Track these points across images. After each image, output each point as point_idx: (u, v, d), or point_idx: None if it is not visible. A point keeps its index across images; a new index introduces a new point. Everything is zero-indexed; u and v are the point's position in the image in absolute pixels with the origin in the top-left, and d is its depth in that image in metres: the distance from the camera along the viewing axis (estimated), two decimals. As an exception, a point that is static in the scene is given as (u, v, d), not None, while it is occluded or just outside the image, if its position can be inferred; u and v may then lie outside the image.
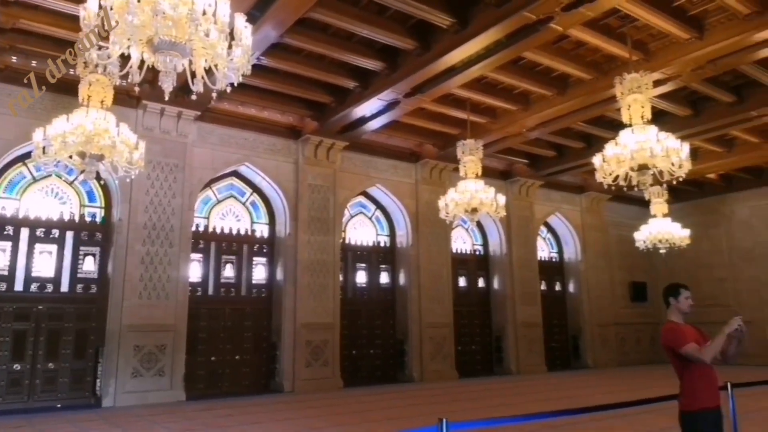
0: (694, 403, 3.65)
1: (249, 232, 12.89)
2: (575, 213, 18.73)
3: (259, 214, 13.22)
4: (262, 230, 13.09)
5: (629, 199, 19.67)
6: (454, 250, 15.95)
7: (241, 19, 4.86)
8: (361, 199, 14.86)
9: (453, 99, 12.17)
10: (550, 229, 19.03)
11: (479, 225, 16.94)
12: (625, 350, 18.78)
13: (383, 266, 14.83)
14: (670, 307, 3.85)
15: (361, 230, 14.80)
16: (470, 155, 11.49)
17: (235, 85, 4.88)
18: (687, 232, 14.96)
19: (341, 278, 13.58)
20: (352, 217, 14.71)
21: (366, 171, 14.27)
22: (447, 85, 10.56)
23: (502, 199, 11.25)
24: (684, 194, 19.40)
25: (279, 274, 12.70)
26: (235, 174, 12.86)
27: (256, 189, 13.12)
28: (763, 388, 5.83)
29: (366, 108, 11.54)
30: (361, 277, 14.40)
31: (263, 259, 12.94)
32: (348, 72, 10.85)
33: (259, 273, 12.85)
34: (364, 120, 12.20)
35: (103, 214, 11.20)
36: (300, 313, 12.31)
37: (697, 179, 18.32)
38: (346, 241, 14.18)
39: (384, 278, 14.79)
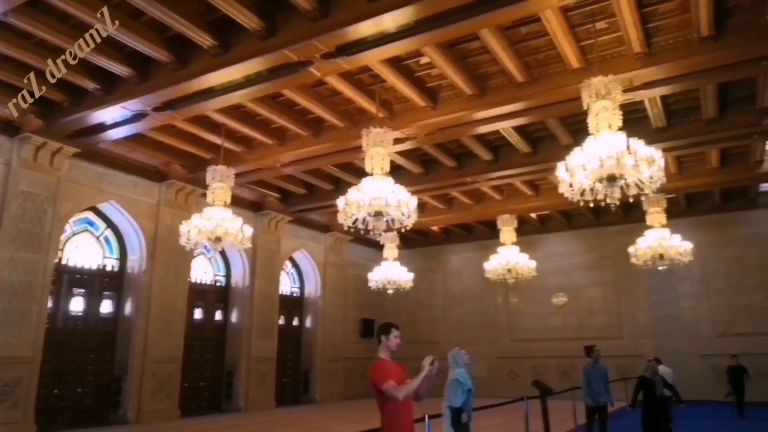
0: (393, 435, 3.94)
1: (-74, 241, 10.26)
2: (319, 250, 19.51)
3: (-56, 219, 10.66)
4: (-54, 240, 10.54)
5: (367, 242, 21.33)
6: (193, 280, 15.11)
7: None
8: (90, 215, 13.15)
9: (208, 122, 11.74)
10: (295, 265, 19.44)
11: (223, 255, 16.44)
12: (351, 384, 19.90)
13: (107, 293, 13.21)
14: (381, 344, 4.12)
15: (85, 250, 13.01)
16: (220, 182, 11.11)
17: None
18: (411, 275, 16.78)
19: (50, 305, 11.64)
20: (74, 234, 12.87)
21: (99, 184, 12.70)
22: (202, 107, 10.11)
23: (249, 230, 11.07)
24: (412, 242, 21.83)
25: (-37, 296, 10.33)
26: None
27: (-56, 188, 10.60)
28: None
29: (107, 114, 10.36)
30: (77, 305, 12.56)
31: (-58, 276, 10.39)
32: (88, 71, 9.63)
33: (-66, 293, 10.27)
34: (103, 127, 10.92)
35: None
36: (-13, 345, 10.12)
37: (423, 230, 20.83)
38: (63, 262, 12.30)
39: (107, 307, 13.16)
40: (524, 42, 8.99)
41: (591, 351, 8.91)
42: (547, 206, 17.10)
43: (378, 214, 9.00)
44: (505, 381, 19.63)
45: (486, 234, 20.16)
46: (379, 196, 8.89)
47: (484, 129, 11.25)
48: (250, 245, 11.23)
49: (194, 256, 15.13)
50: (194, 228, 10.66)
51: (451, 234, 21.62)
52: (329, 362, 18.87)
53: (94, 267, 13.03)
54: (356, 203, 8.95)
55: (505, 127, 11.32)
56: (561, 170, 7.68)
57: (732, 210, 17.33)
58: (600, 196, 7.58)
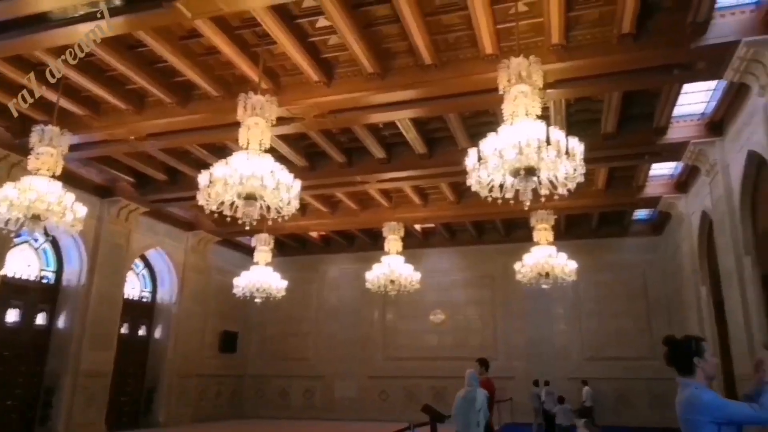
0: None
1: None
2: (179, 251, 17.05)
3: None
4: None
5: (236, 246, 19.30)
6: (10, 274, 12.17)
7: None
8: None
9: (44, 71, 9.24)
10: (148, 265, 16.80)
11: (56, 246, 13.58)
12: (203, 404, 17.50)
13: None
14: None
15: None
16: (49, 146, 8.70)
17: None
18: (285, 283, 14.97)
19: None
20: None
21: None
22: (31, 41, 7.78)
23: (81, 210, 8.75)
24: (288, 249, 20.10)
25: None
26: None
27: None
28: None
29: None
30: None
31: None
32: None
33: None
34: None
35: None
36: None
37: (301, 236, 19.23)
38: None
39: None
40: (438, 14, 7.89)
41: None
42: (433, 217, 16.30)
43: (250, 198, 7.33)
44: (376, 402, 18.42)
45: (368, 245, 18.99)
46: (254, 175, 7.22)
47: (381, 117, 10.04)
48: (81, 228, 8.85)
49: (13, 244, 12.23)
50: (5, 200, 8.16)
51: (331, 243, 20.13)
52: (180, 379, 16.36)
53: None
54: (223, 181, 7.20)
55: (404, 117, 10.18)
56: (471, 158, 6.61)
57: (606, 236, 17.75)
58: (509, 195, 6.62)
